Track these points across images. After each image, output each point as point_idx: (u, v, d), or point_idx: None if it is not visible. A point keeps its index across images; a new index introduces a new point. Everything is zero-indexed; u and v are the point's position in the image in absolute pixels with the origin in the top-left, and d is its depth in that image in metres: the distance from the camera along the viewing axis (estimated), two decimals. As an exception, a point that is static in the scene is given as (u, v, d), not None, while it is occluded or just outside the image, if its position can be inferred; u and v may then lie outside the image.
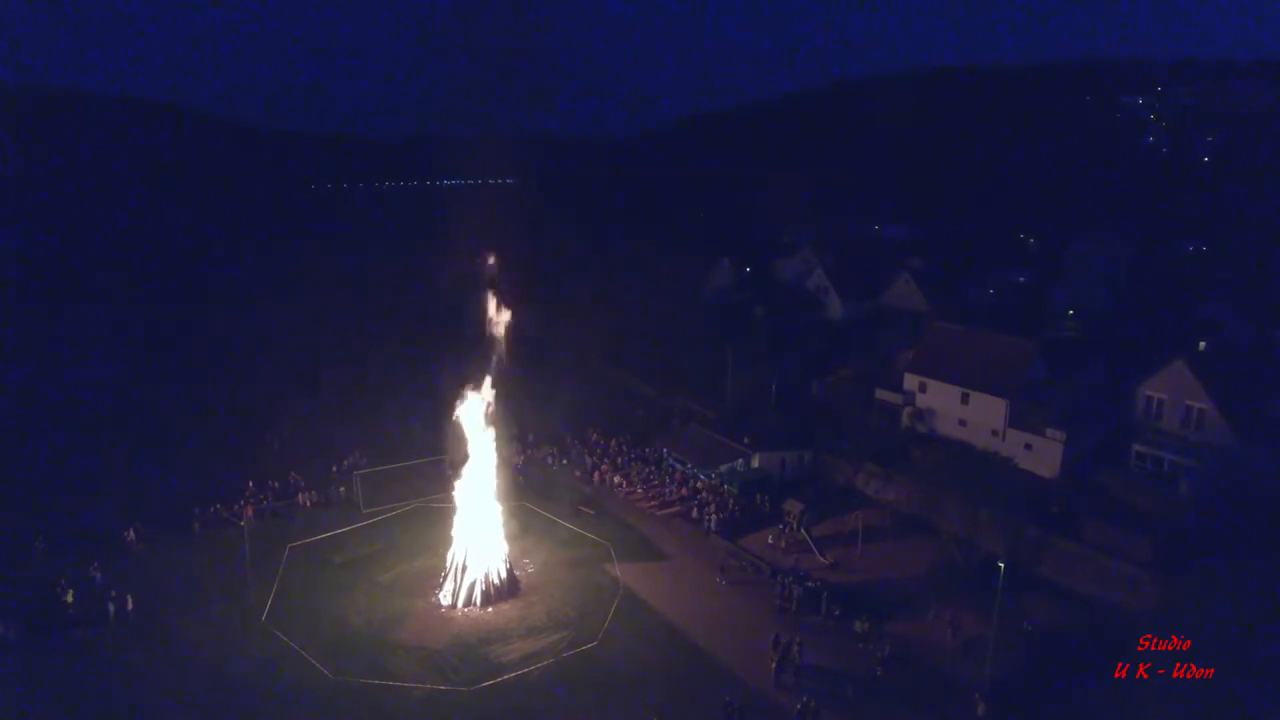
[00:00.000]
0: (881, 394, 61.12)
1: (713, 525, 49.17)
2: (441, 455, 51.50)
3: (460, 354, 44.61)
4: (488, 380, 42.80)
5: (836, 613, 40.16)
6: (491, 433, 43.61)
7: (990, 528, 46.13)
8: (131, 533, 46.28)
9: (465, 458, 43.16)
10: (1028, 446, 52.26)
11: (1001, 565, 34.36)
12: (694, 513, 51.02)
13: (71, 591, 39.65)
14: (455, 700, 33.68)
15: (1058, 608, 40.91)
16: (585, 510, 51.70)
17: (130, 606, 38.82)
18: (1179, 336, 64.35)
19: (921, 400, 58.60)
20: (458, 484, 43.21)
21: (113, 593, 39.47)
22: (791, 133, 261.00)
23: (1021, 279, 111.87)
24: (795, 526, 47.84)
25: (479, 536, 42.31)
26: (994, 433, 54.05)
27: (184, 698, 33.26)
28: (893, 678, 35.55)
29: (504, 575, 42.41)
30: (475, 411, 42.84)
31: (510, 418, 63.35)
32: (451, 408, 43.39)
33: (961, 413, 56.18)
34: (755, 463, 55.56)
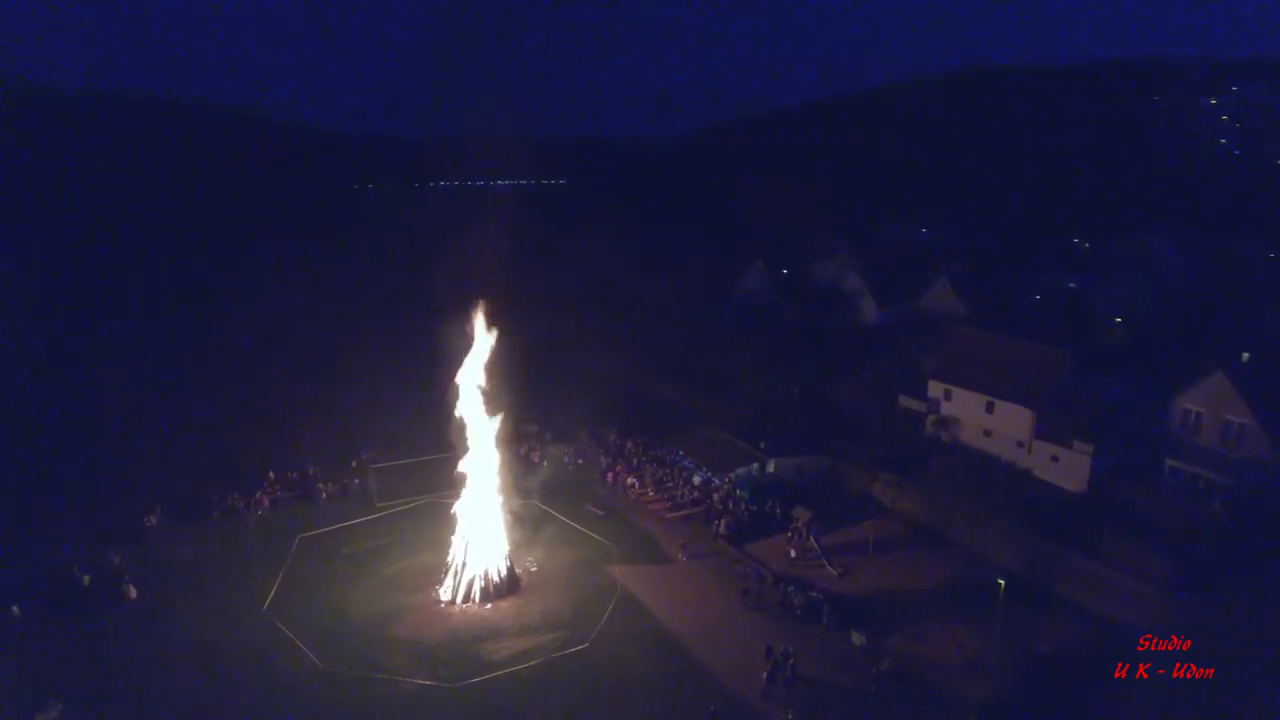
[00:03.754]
0: (905, 401, 59.56)
1: (721, 530, 48.48)
2: (452, 452, 51.86)
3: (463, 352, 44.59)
4: (482, 374, 42.79)
5: (836, 624, 39.14)
6: (494, 429, 43.64)
7: (1006, 542, 44.65)
8: (153, 518, 47.86)
9: (467, 453, 43.31)
10: (1054, 459, 50.30)
11: (1002, 582, 33.08)
12: (703, 517, 50.43)
13: (87, 576, 41.08)
14: (441, 696, 33.79)
15: (1074, 628, 39.11)
16: (594, 510, 51.55)
17: (135, 593, 39.99)
18: (1223, 347, 61.12)
19: (946, 408, 56.88)
20: (461, 479, 43.42)
21: (125, 576, 40.86)
22: (834, 135, 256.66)
23: (1071, 284, 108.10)
24: (804, 534, 46.80)
25: (480, 533, 42.49)
26: (1020, 444, 52.17)
27: (177, 681, 34.09)
28: (887, 694, 34.41)
29: (504, 573, 42.49)
30: (476, 407, 42.93)
31: (528, 416, 63.98)
32: (455, 404, 43.59)
33: (986, 422, 54.35)
34: (770, 468, 54.67)
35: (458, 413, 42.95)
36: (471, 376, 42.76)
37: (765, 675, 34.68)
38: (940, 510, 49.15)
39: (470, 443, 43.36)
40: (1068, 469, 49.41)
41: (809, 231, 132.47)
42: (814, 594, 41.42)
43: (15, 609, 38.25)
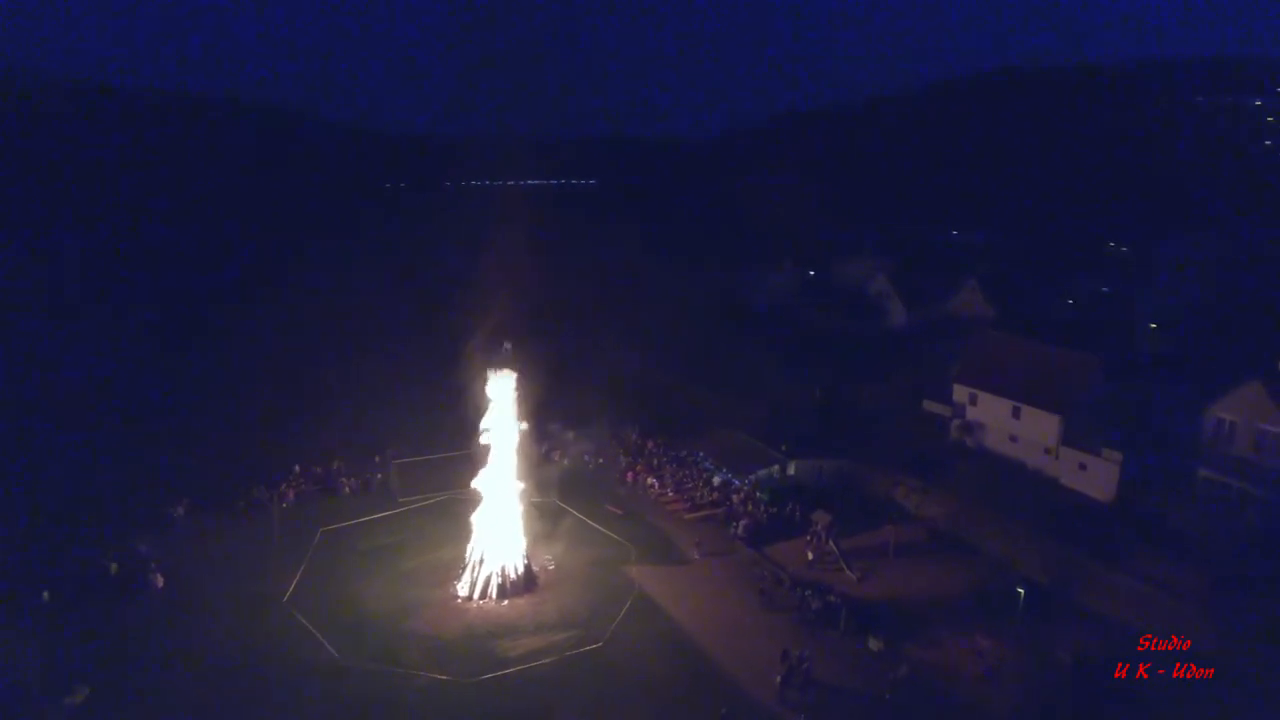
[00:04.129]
0: (929, 404, 58.83)
1: (739, 532, 48.25)
2: (473, 449, 52.20)
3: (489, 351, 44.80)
4: (509, 372, 42.96)
5: (854, 629, 38.74)
6: (516, 426, 43.81)
7: (1029, 550, 43.91)
8: (180, 509, 48.79)
9: (486, 450, 43.55)
10: (1082, 466, 49.32)
11: (1021, 590, 32.48)
12: (722, 518, 50.24)
13: (115, 564, 42.00)
14: (454, 691, 34.02)
15: (1096, 639, 38.31)
16: (613, 510, 51.59)
17: (162, 582, 40.83)
18: (1260, 355, 59.39)
19: (971, 413, 56.06)
20: (480, 476, 43.66)
21: (152, 565, 41.72)
22: (867, 137, 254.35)
23: (1105, 289, 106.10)
24: (823, 538, 46.39)
25: (498, 530, 42.70)
26: (1046, 450, 51.24)
27: (199, 669, 34.70)
28: (902, 701, 33.99)
29: (520, 570, 42.66)
30: (498, 405, 43.12)
31: (551, 415, 64.16)
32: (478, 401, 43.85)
33: (1012, 428, 53.45)
34: (791, 470, 54.33)
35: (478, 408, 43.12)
36: (497, 382, 42.94)
37: (780, 679, 34.44)
38: (963, 516, 48.48)
39: (490, 440, 43.55)
40: (1095, 477, 48.42)
41: (837, 233, 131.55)
42: (832, 598, 41.04)
43: (45, 595, 39.20)
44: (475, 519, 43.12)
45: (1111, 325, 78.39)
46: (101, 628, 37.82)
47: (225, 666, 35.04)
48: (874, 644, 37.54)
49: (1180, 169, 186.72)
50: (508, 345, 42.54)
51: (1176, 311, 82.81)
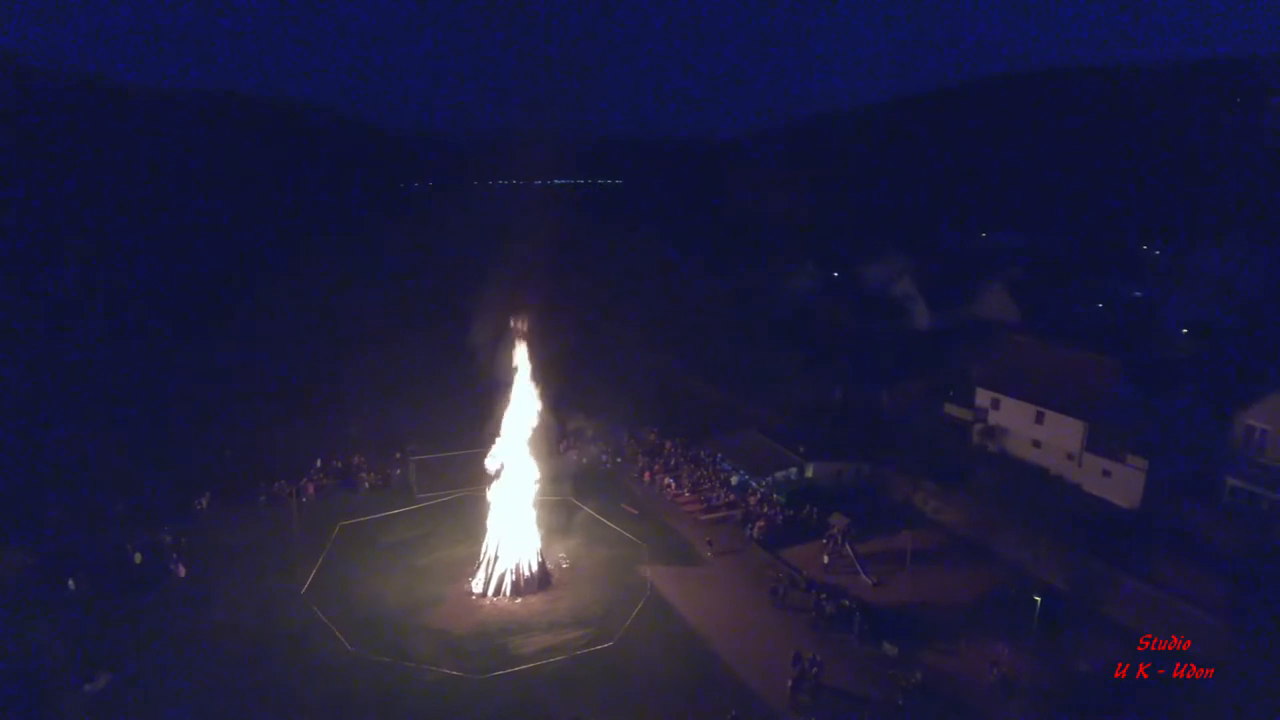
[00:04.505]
0: (951, 408, 58.04)
1: (754, 534, 48.00)
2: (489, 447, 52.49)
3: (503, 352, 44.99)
4: (527, 374, 43.20)
5: (868, 634, 38.34)
6: (531, 425, 44.00)
7: (1051, 558, 43.13)
8: (204, 501, 49.65)
9: (502, 450, 43.78)
10: (1106, 473, 48.37)
11: (1038, 599, 31.89)
12: (739, 519, 50.01)
13: (139, 554, 42.84)
14: (463, 687, 34.21)
15: (1117, 650, 37.53)
16: (629, 510, 51.59)
17: (183, 572, 41.57)
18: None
19: (993, 417, 55.23)
20: (495, 474, 43.90)
21: (175, 555, 42.50)
22: (899, 137, 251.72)
23: (1138, 293, 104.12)
24: (839, 541, 46.01)
25: (513, 527, 42.89)
26: (1070, 457, 50.33)
27: (218, 658, 35.35)
28: (915, 708, 33.58)
29: (534, 568, 42.81)
30: (516, 405, 43.40)
31: (571, 414, 64.34)
32: (496, 401, 44.17)
33: (1035, 433, 52.58)
34: (808, 472, 53.90)
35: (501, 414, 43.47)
36: (514, 377, 43.23)
37: (791, 682, 34.20)
38: (984, 522, 47.72)
39: (506, 438, 43.82)
40: (1120, 484, 47.46)
41: (864, 233, 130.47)
42: (846, 602, 40.67)
43: (71, 583, 40.12)
44: (490, 516, 43.36)
45: (1141, 329, 76.76)
46: (124, 616, 38.64)
47: (242, 657, 35.62)
48: (888, 649, 37.15)
49: (1222, 171, 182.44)
50: (516, 325, 42.81)
51: (1209, 316, 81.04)
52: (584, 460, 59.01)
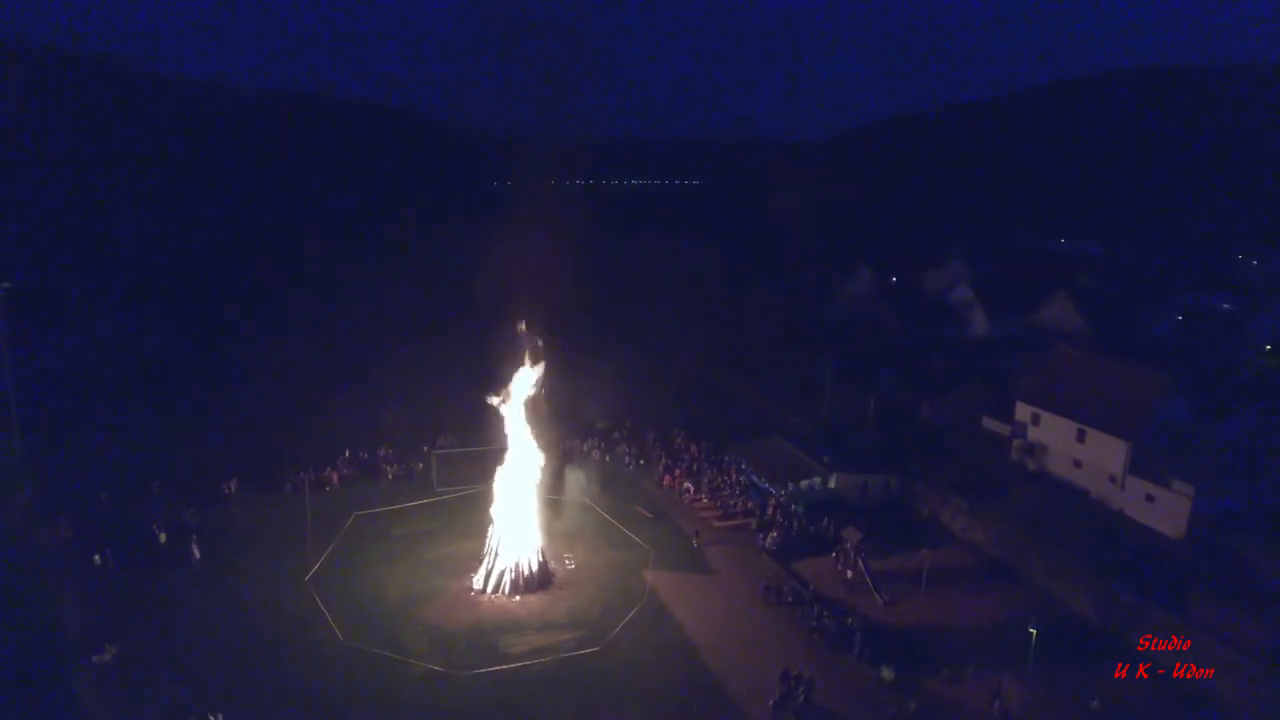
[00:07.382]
0: (989, 422, 55.18)
1: (767, 544, 46.67)
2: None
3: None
4: (531, 372, 43.10)
5: (868, 655, 36.66)
6: (536, 423, 43.93)
7: (1081, 585, 40.50)
8: (233, 485, 51.49)
9: (506, 446, 43.84)
10: (1149, 498, 45.01)
11: (1033, 631, 29.76)
12: (754, 527, 48.78)
13: (164, 534, 44.71)
14: (446, 682, 34.29)
15: (1142, 689, 34.82)
16: (644, 513, 50.96)
17: (198, 555, 43.12)
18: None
19: (1033, 433, 52.20)
20: (500, 471, 44.01)
21: (194, 537, 44.16)
22: (977, 139, 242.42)
23: (1226, 305, 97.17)
24: (852, 557, 44.22)
25: (515, 526, 42.87)
26: (1111, 479, 47.09)
27: (217, 640, 36.38)
28: (905, 737, 31.93)
29: (535, 566, 42.67)
30: (519, 402, 43.36)
31: (598, 413, 64.16)
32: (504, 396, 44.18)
33: (1076, 452, 49.40)
34: (832, 483, 52.12)
35: (499, 406, 43.53)
36: (526, 377, 43.22)
37: (774, 702, 32.98)
38: (1013, 544, 45.22)
39: (514, 435, 43.84)
40: (1164, 511, 44.06)
41: (927, 237, 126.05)
42: (850, 620, 39.06)
43: (97, 558, 42.11)
44: (494, 508, 43.47)
45: (1216, 345, 71.46)
46: (141, 592, 40.29)
47: (242, 641, 36.55)
48: (887, 673, 35.41)
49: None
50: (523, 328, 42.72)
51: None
52: (607, 460, 58.71)
